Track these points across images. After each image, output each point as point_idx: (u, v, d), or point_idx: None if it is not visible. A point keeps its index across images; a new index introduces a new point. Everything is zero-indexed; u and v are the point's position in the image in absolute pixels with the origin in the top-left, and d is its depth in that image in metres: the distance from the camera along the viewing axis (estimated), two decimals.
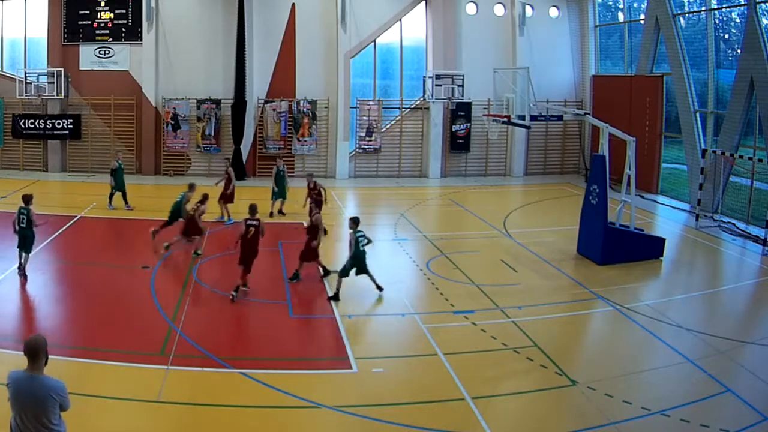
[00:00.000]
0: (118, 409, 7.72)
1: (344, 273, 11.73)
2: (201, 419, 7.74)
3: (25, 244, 12.09)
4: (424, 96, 24.98)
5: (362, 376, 8.94)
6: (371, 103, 24.79)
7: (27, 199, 12.27)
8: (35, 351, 5.09)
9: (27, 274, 12.05)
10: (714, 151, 18.45)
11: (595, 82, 25.41)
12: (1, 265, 12.63)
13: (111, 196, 18.04)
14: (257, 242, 11.71)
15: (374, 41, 24.96)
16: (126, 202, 18.04)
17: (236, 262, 11.69)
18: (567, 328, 11.06)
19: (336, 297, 11.66)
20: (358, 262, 11.75)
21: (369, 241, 11.97)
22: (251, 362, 9.17)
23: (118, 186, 17.94)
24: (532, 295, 12.33)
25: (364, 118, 24.71)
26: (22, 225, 12.04)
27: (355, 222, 11.96)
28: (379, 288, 11.94)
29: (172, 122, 23.66)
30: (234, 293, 11.41)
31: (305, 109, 24.07)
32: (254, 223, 11.66)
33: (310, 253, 12.65)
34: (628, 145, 14.47)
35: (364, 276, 11.82)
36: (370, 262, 11.84)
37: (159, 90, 23.61)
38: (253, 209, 11.84)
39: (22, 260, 12.09)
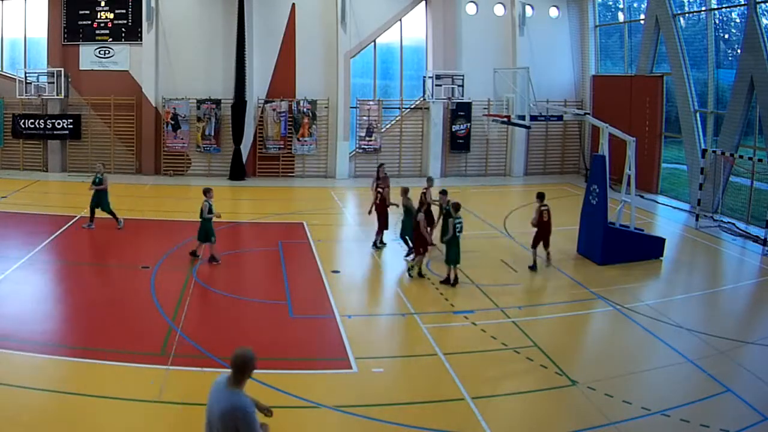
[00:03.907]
0: (118, 409, 7.71)
1: (455, 260, 12.48)
2: (201, 419, 7.62)
3: (198, 234, 13.42)
4: (424, 96, 24.98)
5: (362, 376, 8.94)
6: (371, 103, 24.79)
7: (205, 191, 13.62)
8: (239, 366, 4.84)
9: (198, 255, 13.61)
10: (714, 151, 18.45)
11: (595, 82, 25.40)
12: (1, 265, 12.65)
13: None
14: (383, 204, 14.79)
15: (374, 41, 24.96)
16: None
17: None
18: (567, 328, 11.06)
19: (453, 281, 12.53)
20: (456, 244, 12.47)
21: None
22: None
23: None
24: (532, 295, 12.33)
25: (364, 118, 24.70)
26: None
27: (456, 208, 12.59)
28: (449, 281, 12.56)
29: (172, 122, 23.66)
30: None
31: (305, 109, 24.07)
32: (380, 189, 14.93)
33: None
34: (628, 145, 14.47)
35: (364, 277, 11.81)
36: (371, 261, 11.84)
37: (159, 90, 23.61)
38: (381, 176, 15.51)
39: (196, 247, 13.65)
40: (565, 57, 26.14)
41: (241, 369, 4.84)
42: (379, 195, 14.90)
